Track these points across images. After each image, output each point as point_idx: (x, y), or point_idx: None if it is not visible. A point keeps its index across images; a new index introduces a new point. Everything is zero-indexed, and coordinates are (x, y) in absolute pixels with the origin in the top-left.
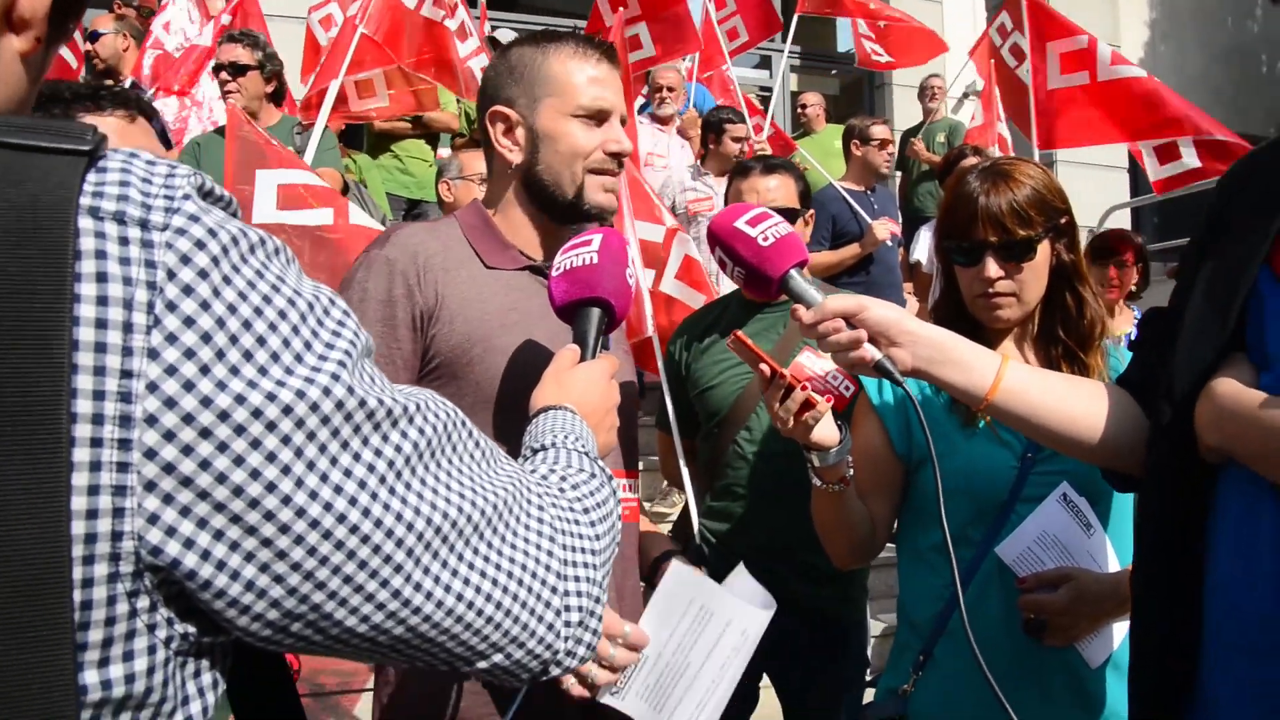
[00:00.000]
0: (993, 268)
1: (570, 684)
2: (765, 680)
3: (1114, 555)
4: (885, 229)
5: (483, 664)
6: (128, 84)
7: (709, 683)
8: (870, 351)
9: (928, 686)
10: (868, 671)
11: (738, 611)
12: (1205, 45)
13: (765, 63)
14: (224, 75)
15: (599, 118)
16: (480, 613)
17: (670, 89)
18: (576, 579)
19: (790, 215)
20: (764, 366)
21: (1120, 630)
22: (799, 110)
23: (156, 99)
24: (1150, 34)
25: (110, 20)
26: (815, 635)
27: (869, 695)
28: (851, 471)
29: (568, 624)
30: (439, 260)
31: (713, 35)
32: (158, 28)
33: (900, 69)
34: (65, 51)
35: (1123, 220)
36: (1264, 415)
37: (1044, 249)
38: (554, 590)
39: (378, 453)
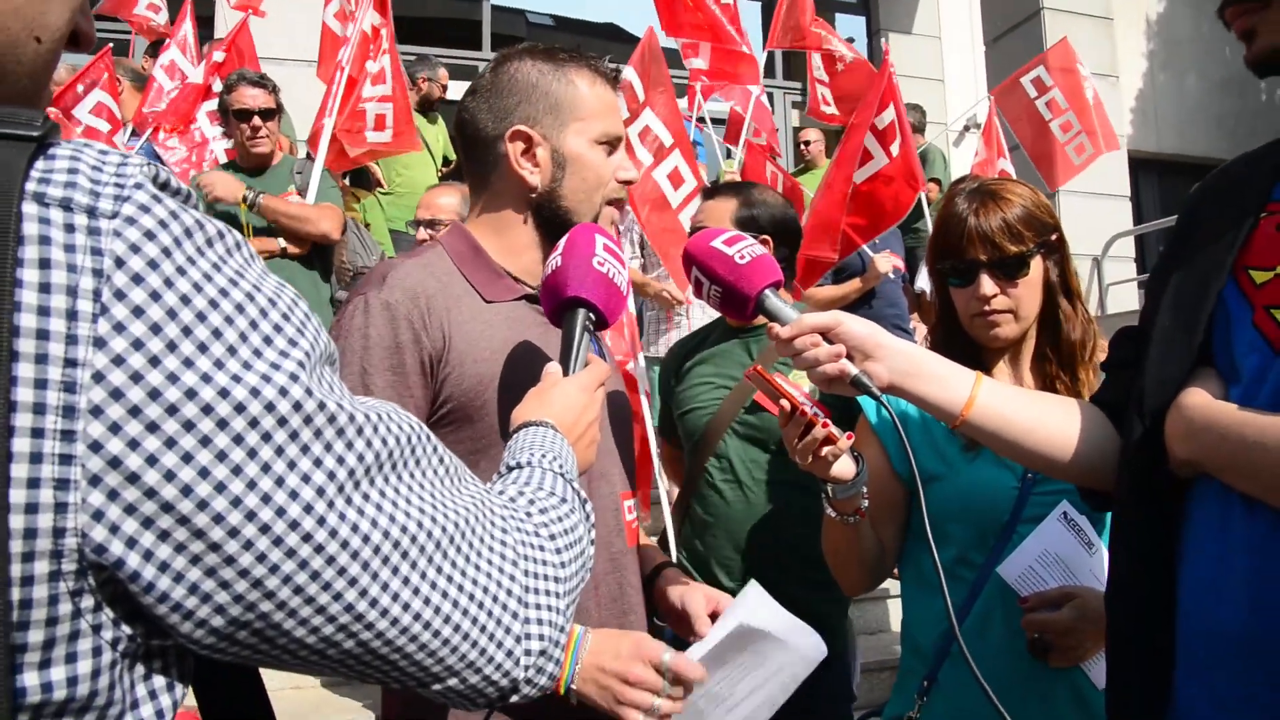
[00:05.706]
0: (988, 285)
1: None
2: None
3: None
4: (887, 263)
5: (437, 686)
6: (128, 131)
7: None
8: (848, 366)
9: (933, 713)
10: (854, 686)
11: (790, 658)
12: (1204, 75)
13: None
14: (255, 121)
15: (615, 144)
16: (436, 633)
17: None
18: (539, 606)
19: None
20: (784, 402)
21: None
22: (801, 146)
23: (156, 140)
24: (1149, 64)
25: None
26: None
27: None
28: (866, 503)
29: (528, 652)
30: (440, 300)
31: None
32: (158, 72)
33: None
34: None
35: (1126, 248)
36: (1233, 426)
37: (1037, 265)
38: (514, 616)
39: (340, 460)
